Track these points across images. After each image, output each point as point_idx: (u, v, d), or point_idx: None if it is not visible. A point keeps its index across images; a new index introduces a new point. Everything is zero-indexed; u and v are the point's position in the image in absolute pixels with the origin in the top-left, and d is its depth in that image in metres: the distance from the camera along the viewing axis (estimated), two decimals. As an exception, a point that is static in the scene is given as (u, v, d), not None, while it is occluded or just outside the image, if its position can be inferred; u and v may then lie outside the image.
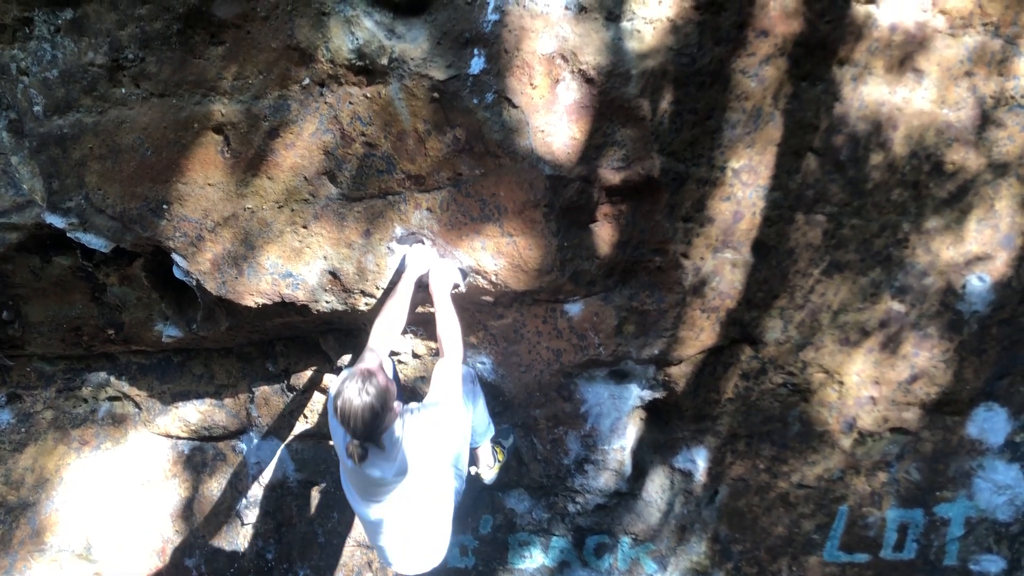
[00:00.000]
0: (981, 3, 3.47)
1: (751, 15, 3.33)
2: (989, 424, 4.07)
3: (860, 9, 3.41)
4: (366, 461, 2.96)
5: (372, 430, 2.87)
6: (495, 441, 4.17)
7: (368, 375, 2.87)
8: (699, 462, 4.32)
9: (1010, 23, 3.48)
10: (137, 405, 4.99)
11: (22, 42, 3.55)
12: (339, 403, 2.83)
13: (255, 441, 4.90)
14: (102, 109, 3.57)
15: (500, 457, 4.21)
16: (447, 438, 3.32)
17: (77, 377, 4.97)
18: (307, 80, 3.43)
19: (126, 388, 4.94)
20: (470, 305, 3.99)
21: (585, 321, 3.92)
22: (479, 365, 4.16)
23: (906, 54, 3.50)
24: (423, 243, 3.71)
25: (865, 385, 4.02)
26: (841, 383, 4.02)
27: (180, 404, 4.92)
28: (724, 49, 3.37)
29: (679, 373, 4.07)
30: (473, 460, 4.02)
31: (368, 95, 3.42)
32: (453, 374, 3.39)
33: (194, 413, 4.91)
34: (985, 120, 3.60)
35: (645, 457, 4.37)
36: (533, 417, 4.26)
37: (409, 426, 3.18)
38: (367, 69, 3.37)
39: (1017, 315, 3.89)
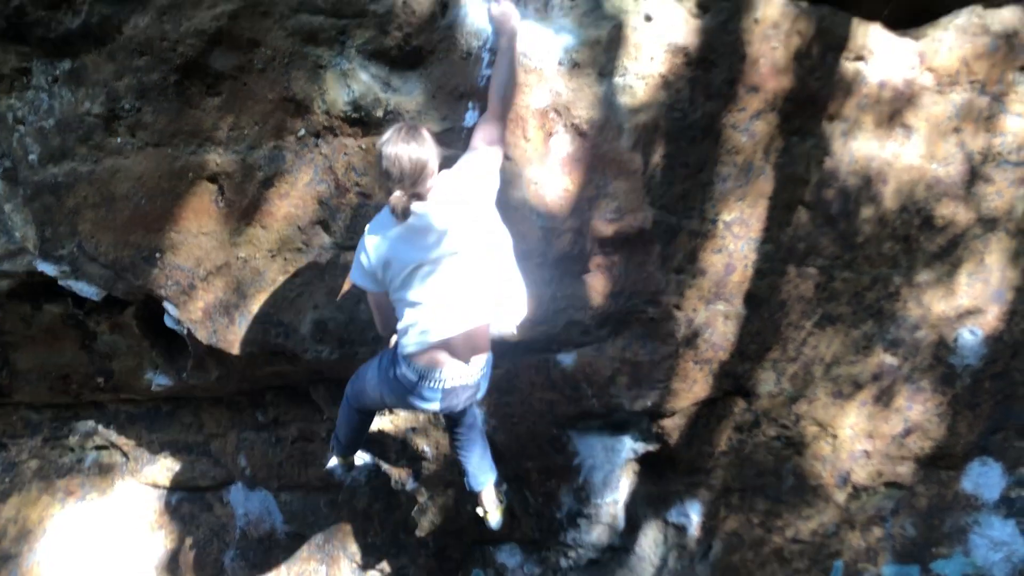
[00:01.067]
0: (967, 61, 3.53)
1: (741, 71, 3.38)
2: (984, 479, 4.05)
3: (849, 66, 3.47)
4: (409, 221, 2.84)
5: (419, 178, 2.74)
6: (496, 485, 4.11)
7: (413, 127, 2.79)
8: (693, 516, 4.28)
9: (996, 81, 3.55)
10: (124, 454, 4.93)
11: (20, 92, 3.58)
12: (385, 151, 2.72)
13: (243, 492, 4.84)
14: (97, 158, 3.59)
15: (501, 498, 4.06)
16: (488, 188, 3.04)
17: (64, 426, 4.92)
18: (303, 131, 3.45)
19: (114, 437, 4.89)
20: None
21: (578, 372, 3.90)
22: (471, 416, 4.13)
23: (895, 110, 3.55)
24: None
25: (859, 438, 4.00)
26: (835, 436, 4.01)
27: (168, 453, 4.87)
28: (715, 104, 3.42)
29: (672, 425, 4.05)
30: (477, 503, 3.94)
31: (363, 146, 3.45)
32: (497, 133, 3.09)
33: (182, 462, 4.85)
34: (974, 175, 3.64)
35: (638, 511, 4.33)
36: (525, 469, 4.22)
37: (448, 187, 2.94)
38: (363, 121, 3.39)
39: (1010, 369, 3.89)
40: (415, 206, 2.80)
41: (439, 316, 2.98)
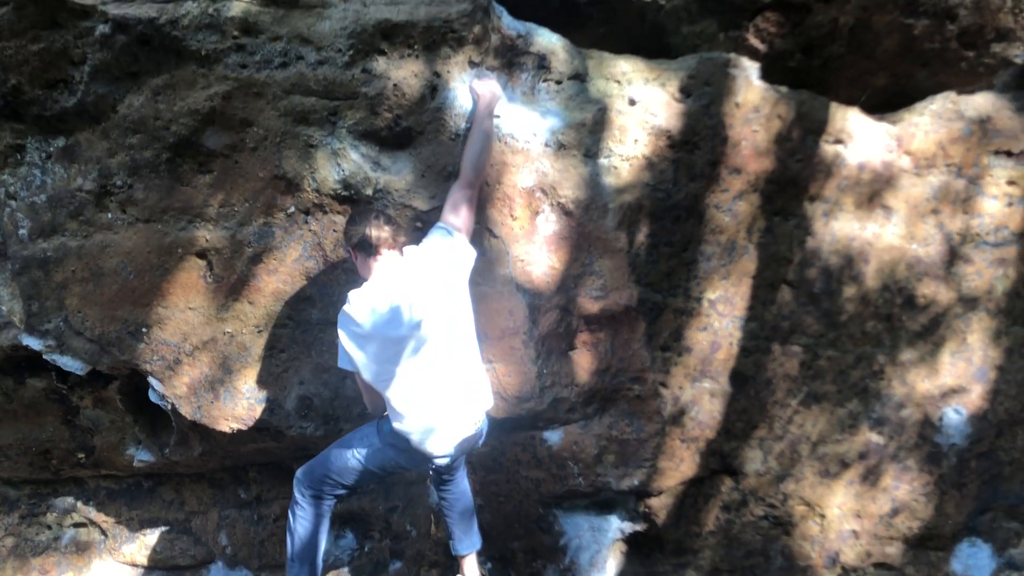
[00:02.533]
0: (943, 145, 3.63)
1: (724, 153, 3.46)
2: (974, 560, 4.01)
3: (829, 148, 3.56)
4: (386, 296, 2.94)
5: (385, 231, 2.98)
6: (481, 563, 4.03)
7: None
8: (681, 598, 4.20)
9: (971, 164, 3.64)
10: (103, 532, 4.83)
11: (12, 167, 3.62)
12: (348, 223, 3.07)
13: (223, 571, 4.72)
14: (87, 233, 3.61)
15: (485, 573, 4.02)
16: (456, 264, 3.10)
17: (42, 502, 4.82)
18: (292, 208, 3.49)
19: (93, 514, 4.80)
20: (448, 432, 3.96)
21: (565, 450, 3.87)
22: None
23: (874, 191, 3.63)
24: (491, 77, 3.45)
25: (847, 518, 3.97)
26: (823, 516, 3.97)
27: (148, 531, 4.77)
28: (698, 185, 3.49)
29: (660, 504, 4.01)
30: (458, 569, 3.86)
31: (351, 225, 3.48)
32: (466, 203, 3.18)
33: (162, 541, 4.75)
34: (953, 255, 3.71)
35: (625, 592, 4.25)
36: (511, 550, 4.15)
37: (420, 257, 3.05)
38: (352, 199, 3.44)
39: (995, 448, 3.89)
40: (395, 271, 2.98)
41: (426, 413, 3.08)
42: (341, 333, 3.02)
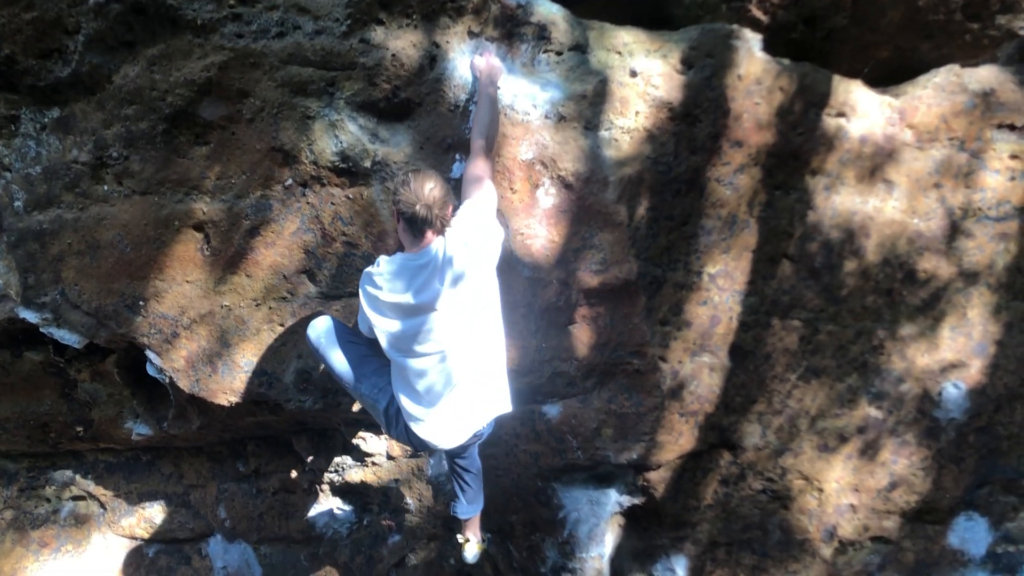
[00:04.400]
0: (946, 118, 3.60)
1: (725, 126, 3.43)
2: (970, 534, 4.03)
3: (831, 122, 3.53)
4: (415, 273, 2.88)
5: (436, 212, 2.83)
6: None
7: (432, 172, 2.90)
8: (679, 571, 4.22)
9: (974, 138, 3.61)
10: (102, 505, 4.84)
11: (7, 139, 3.58)
12: (404, 188, 2.83)
13: (222, 544, 4.74)
14: (83, 206, 3.58)
15: (484, 538, 4.01)
16: (486, 253, 2.99)
17: (41, 475, 4.83)
18: (290, 181, 3.46)
19: (92, 487, 4.81)
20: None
21: (563, 424, 3.88)
22: (455, 468, 4.09)
23: (876, 165, 3.61)
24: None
25: (845, 492, 3.98)
26: (821, 490, 3.98)
27: (147, 504, 4.78)
28: (699, 158, 3.46)
29: (658, 478, 4.02)
30: (461, 529, 3.88)
31: (350, 196, 3.46)
32: (487, 174, 3.09)
33: (161, 514, 4.77)
34: (955, 230, 3.69)
35: (624, 565, 4.27)
36: (509, 523, 4.17)
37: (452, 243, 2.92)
38: (350, 171, 3.41)
39: (994, 423, 3.90)
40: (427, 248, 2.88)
41: (425, 403, 3.07)
42: (361, 291, 3.00)
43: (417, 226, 2.86)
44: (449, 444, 3.17)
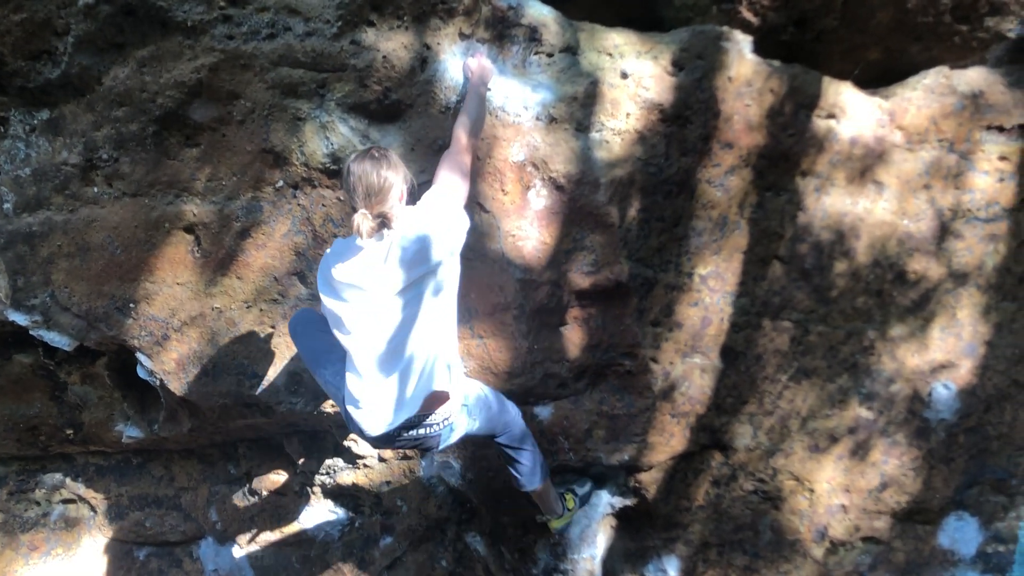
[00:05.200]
0: (936, 120, 3.61)
1: (716, 128, 3.44)
2: (960, 534, 4.04)
3: (821, 123, 3.54)
4: (364, 252, 2.72)
5: (384, 197, 2.65)
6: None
7: (383, 151, 2.72)
8: (670, 572, 4.23)
9: (963, 140, 3.63)
10: (92, 508, 4.83)
11: (-4, 141, 3.58)
12: (352, 168, 2.65)
13: (213, 547, 4.73)
14: (73, 208, 3.57)
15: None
16: (446, 237, 2.82)
17: (31, 479, 4.81)
18: (281, 182, 3.46)
19: (82, 490, 4.79)
20: (439, 408, 3.96)
21: (555, 425, 3.88)
22: (447, 470, 4.09)
23: (866, 166, 3.62)
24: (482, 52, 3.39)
25: (836, 493, 3.99)
26: (812, 491, 3.99)
27: (138, 507, 4.77)
28: (690, 160, 3.47)
29: (650, 479, 4.03)
30: (532, 504, 3.78)
31: (341, 198, 3.46)
32: (461, 168, 2.98)
33: (152, 516, 4.75)
34: (944, 231, 3.71)
35: (615, 566, 4.27)
36: (502, 524, 4.17)
37: (408, 225, 2.78)
38: (341, 172, 3.40)
39: (983, 423, 3.92)
40: (380, 232, 2.72)
41: (371, 381, 2.90)
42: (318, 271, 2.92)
43: (355, 208, 2.70)
44: (376, 430, 2.95)
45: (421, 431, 3.03)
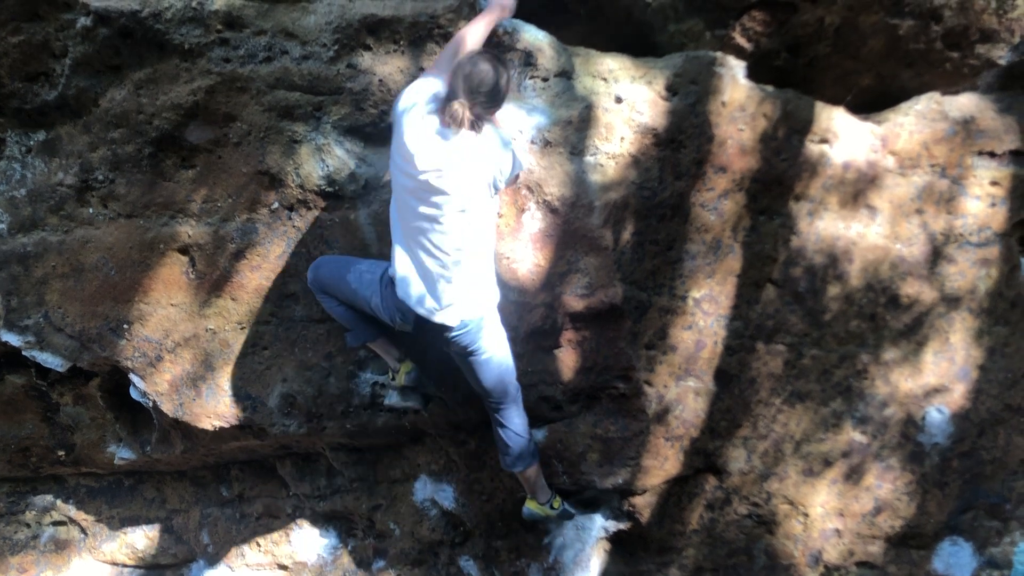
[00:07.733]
0: (928, 145, 3.64)
1: (710, 152, 3.46)
2: (955, 559, 4.03)
3: (814, 148, 3.57)
4: (454, 139, 2.77)
5: (494, 98, 2.78)
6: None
7: (510, 69, 2.85)
8: (665, 596, 4.21)
9: (955, 165, 3.66)
10: (83, 530, 4.79)
11: (-8, 162, 3.59)
12: (477, 61, 2.72)
13: (204, 570, 4.69)
14: (68, 228, 3.57)
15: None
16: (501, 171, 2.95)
17: (21, 500, 4.78)
18: (276, 204, 3.47)
19: (72, 512, 4.76)
20: (432, 430, 3.94)
21: (549, 448, 3.87)
22: (440, 493, 4.07)
23: (859, 191, 3.64)
24: None
25: (830, 517, 3.98)
26: (806, 515, 3.98)
27: (129, 529, 4.73)
28: (684, 183, 3.49)
29: (644, 503, 4.01)
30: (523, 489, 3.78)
31: (337, 219, 3.47)
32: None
33: (143, 539, 4.72)
34: (937, 255, 3.72)
35: (609, 591, 4.25)
36: (495, 548, 4.14)
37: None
38: (336, 195, 3.42)
39: (977, 448, 3.92)
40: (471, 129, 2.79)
41: (427, 270, 2.98)
42: (404, 107, 2.87)
43: (449, 109, 2.77)
44: (449, 320, 3.04)
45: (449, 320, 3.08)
